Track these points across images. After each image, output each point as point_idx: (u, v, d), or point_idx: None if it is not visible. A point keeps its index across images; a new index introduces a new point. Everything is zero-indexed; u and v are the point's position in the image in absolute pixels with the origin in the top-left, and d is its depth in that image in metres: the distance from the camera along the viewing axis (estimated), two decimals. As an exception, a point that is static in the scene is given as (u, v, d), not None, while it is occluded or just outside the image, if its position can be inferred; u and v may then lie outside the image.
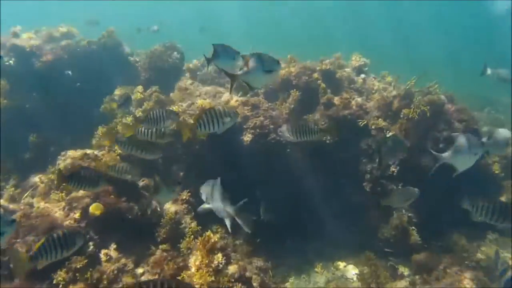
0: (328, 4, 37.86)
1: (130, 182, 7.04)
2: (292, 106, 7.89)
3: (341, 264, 8.10)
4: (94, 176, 5.31)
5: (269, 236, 7.52)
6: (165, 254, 6.02)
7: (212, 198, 4.92)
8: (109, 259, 5.87)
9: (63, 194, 6.36)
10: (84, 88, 9.73)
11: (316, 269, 8.03)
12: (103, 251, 5.91)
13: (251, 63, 4.28)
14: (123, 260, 5.96)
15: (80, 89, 9.76)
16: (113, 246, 6.03)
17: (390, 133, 7.71)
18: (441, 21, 40.05)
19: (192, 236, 6.39)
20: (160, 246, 6.41)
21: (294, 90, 8.00)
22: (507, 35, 31.76)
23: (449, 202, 7.65)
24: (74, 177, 5.18)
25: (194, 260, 5.48)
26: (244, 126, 7.69)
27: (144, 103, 8.34)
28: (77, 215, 6.03)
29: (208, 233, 5.74)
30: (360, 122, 8.03)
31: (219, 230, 7.48)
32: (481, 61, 8.14)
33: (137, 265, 6.17)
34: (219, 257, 5.59)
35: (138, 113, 8.12)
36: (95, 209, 6.08)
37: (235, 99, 7.99)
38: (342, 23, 40.70)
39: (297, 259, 8.12)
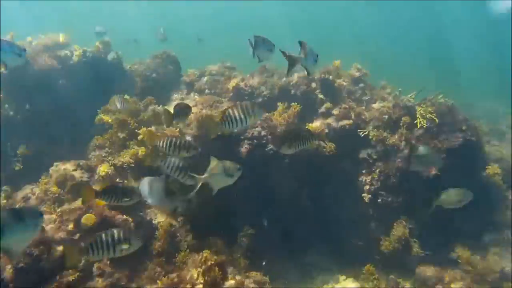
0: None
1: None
2: (291, 120, 7.73)
3: (341, 278, 7.92)
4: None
5: (266, 248, 7.36)
6: (158, 269, 5.81)
7: None
8: (102, 274, 5.67)
9: (54, 205, 6.17)
10: (78, 99, 9.55)
11: (315, 283, 7.85)
12: (96, 265, 5.71)
13: (305, 50, 4.75)
14: (116, 275, 5.75)
15: (74, 99, 9.58)
16: (106, 260, 5.81)
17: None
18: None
19: (188, 250, 6.23)
20: (154, 260, 6.23)
21: (295, 103, 7.86)
22: (507, 35, 31.87)
23: (451, 213, 7.60)
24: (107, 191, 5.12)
25: (190, 278, 5.29)
26: (241, 137, 7.53)
27: (141, 114, 8.19)
28: (70, 227, 5.83)
29: (206, 253, 5.56)
30: (361, 132, 7.90)
31: (216, 243, 7.27)
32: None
33: (130, 280, 5.97)
34: (215, 271, 5.43)
35: (133, 125, 7.95)
36: (87, 220, 5.88)
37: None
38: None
39: (295, 271, 7.93)
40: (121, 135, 7.71)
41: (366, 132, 7.87)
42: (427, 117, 7.46)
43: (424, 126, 7.45)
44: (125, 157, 7.22)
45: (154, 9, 35.38)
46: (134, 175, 7.43)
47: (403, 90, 8.60)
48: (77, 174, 6.98)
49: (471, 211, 6.70)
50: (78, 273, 5.31)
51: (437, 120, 7.49)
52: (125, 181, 7.05)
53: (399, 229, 7.46)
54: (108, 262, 5.79)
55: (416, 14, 37.96)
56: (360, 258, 7.73)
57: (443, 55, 31.72)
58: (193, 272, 5.57)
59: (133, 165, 7.25)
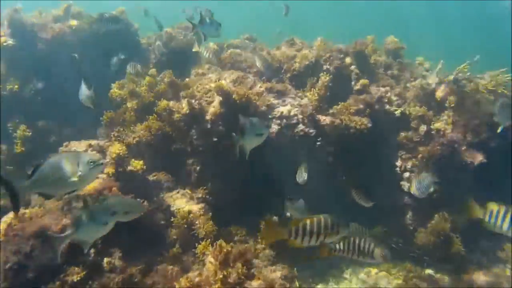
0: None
1: (139, 177, 6.30)
2: (322, 92, 6.95)
3: (373, 271, 7.27)
4: None
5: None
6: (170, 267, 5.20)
7: None
8: (113, 269, 5.05)
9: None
10: (91, 73, 8.88)
11: (345, 275, 7.23)
12: (106, 260, 5.08)
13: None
14: (129, 270, 5.13)
15: (85, 74, 8.91)
16: (118, 253, 5.19)
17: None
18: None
19: (209, 240, 5.61)
20: (170, 251, 5.66)
21: (324, 73, 7.07)
22: (507, 35, 30.75)
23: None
24: None
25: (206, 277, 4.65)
26: (270, 116, 6.80)
27: (157, 86, 7.49)
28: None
29: (219, 241, 4.93)
30: (397, 111, 7.12)
31: (238, 232, 6.67)
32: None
33: (145, 275, 5.37)
34: (238, 269, 4.77)
35: (148, 98, 7.28)
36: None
37: (259, 85, 7.08)
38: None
39: (323, 262, 7.31)
40: (133, 106, 7.07)
41: (404, 111, 7.07)
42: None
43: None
44: (139, 132, 6.59)
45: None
46: (150, 153, 6.82)
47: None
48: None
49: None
50: (84, 272, 4.69)
51: (507, 92, 6.66)
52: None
53: (439, 222, 6.76)
54: (120, 255, 5.17)
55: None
56: (393, 251, 7.07)
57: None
58: (209, 267, 4.93)
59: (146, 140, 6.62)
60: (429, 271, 6.97)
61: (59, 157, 3.46)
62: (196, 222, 5.96)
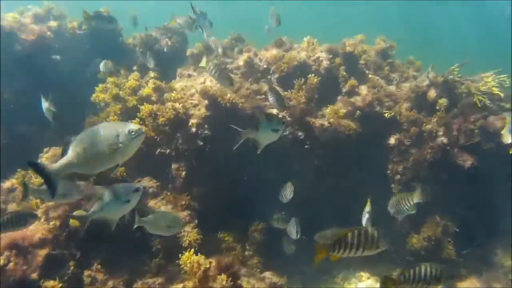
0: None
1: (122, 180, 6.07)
2: (310, 94, 6.75)
3: (364, 276, 7.10)
4: None
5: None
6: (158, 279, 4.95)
7: None
8: (94, 282, 4.81)
9: (39, 200, 5.30)
10: (74, 76, 8.61)
11: (336, 281, 7.05)
12: (86, 273, 4.84)
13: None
14: (111, 283, 4.89)
15: (68, 76, 8.64)
16: (99, 265, 4.94)
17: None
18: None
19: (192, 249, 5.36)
20: (154, 261, 5.42)
21: (312, 75, 6.88)
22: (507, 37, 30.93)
23: (490, 210, 6.73)
24: None
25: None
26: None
27: (140, 90, 7.25)
28: (51, 224, 4.94)
29: (197, 257, 4.69)
30: (387, 114, 6.95)
31: (225, 238, 6.46)
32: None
33: (129, 284, 5.14)
34: (222, 281, 4.54)
35: (132, 102, 7.03)
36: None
37: (245, 87, 6.86)
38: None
39: (312, 267, 7.09)
40: (116, 110, 6.87)
41: (393, 114, 6.92)
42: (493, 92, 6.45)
43: (487, 105, 6.43)
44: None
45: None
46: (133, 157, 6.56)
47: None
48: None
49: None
50: (60, 285, 4.44)
51: (502, 94, 6.50)
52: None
53: (430, 227, 6.68)
54: (100, 266, 4.93)
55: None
56: (385, 256, 6.88)
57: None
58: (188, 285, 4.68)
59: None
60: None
61: (94, 130, 3.09)
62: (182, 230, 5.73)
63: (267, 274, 6.15)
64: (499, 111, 6.75)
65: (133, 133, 3.07)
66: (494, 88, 6.56)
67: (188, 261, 4.92)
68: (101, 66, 6.98)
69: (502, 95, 6.55)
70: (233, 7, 34.35)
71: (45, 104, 6.26)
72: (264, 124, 4.35)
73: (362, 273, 7.11)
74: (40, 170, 2.96)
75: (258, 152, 4.58)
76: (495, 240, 6.85)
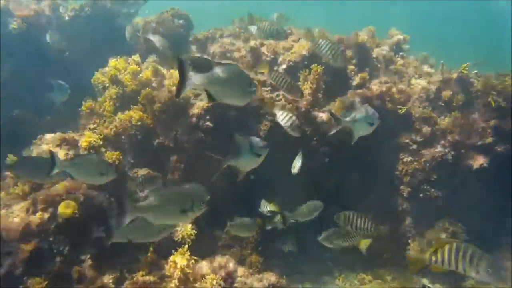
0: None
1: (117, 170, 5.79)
2: (315, 85, 6.38)
3: (366, 278, 6.81)
4: None
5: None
6: (150, 277, 4.64)
7: None
8: (82, 279, 4.52)
9: (25, 186, 4.99)
10: (71, 60, 8.29)
11: (337, 282, 6.77)
12: (75, 268, 4.55)
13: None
14: (100, 281, 4.60)
15: (66, 60, 8.32)
16: (89, 261, 4.66)
17: None
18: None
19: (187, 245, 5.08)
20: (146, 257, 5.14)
21: (315, 65, 6.50)
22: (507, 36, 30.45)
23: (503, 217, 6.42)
24: None
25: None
26: (261, 112, 6.25)
27: (140, 75, 6.92)
28: (38, 216, 4.63)
29: (173, 257, 4.37)
30: (400, 110, 6.59)
31: (223, 236, 6.17)
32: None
33: (120, 283, 4.87)
34: (212, 280, 4.23)
35: (131, 86, 6.72)
36: (64, 208, 4.67)
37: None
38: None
39: (314, 266, 6.86)
40: (111, 94, 6.59)
41: (406, 110, 6.57)
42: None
43: (502, 105, 6.08)
44: (118, 122, 6.09)
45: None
46: (131, 147, 6.29)
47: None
48: (61, 151, 5.76)
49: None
50: (46, 282, 4.15)
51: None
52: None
53: (434, 232, 6.45)
54: (91, 262, 4.65)
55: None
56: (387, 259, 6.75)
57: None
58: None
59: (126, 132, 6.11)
60: (425, 280, 6.56)
61: None
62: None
63: (266, 274, 5.87)
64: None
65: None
66: (510, 89, 6.19)
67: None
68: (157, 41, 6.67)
69: None
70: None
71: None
72: (244, 149, 4.02)
73: (365, 276, 6.82)
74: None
75: (238, 180, 4.29)
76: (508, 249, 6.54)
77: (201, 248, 5.58)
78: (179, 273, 3.93)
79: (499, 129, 6.20)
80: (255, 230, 5.83)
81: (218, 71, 2.87)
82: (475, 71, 6.61)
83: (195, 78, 2.82)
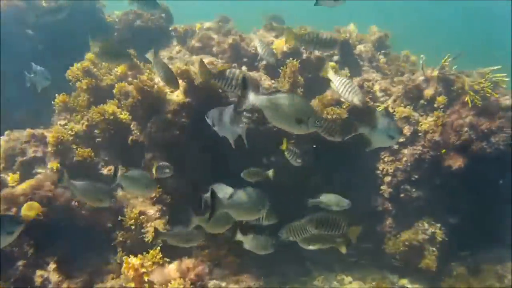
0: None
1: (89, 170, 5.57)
2: (293, 80, 6.19)
3: (346, 279, 6.71)
4: None
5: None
6: (120, 281, 4.43)
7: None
8: (46, 284, 4.29)
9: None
10: (48, 52, 7.97)
11: (316, 283, 6.64)
12: (38, 273, 4.32)
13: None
14: (65, 285, 4.38)
15: (42, 52, 8.00)
16: (54, 264, 4.43)
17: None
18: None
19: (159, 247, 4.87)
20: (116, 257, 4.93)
21: (291, 59, 6.31)
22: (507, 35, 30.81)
23: (485, 216, 6.33)
24: None
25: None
26: (239, 109, 6.06)
27: (115, 69, 6.68)
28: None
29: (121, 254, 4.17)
30: (379, 107, 6.47)
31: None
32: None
33: (88, 286, 4.65)
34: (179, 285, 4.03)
35: (106, 81, 6.49)
36: (27, 210, 4.44)
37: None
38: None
39: (292, 267, 6.71)
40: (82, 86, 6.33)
41: (388, 108, 6.45)
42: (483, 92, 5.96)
43: (478, 105, 5.98)
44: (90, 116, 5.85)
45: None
46: (104, 144, 6.07)
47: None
48: (30, 148, 5.52)
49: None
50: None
51: (497, 95, 6.00)
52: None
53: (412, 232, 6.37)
54: (56, 266, 4.42)
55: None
56: (371, 259, 6.69)
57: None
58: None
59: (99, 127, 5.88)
60: (404, 281, 6.49)
61: None
62: (147, 225, 5.22)
63: (242, 276, 5.70)
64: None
65: None
66: (488, 89, 6.08)
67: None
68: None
69: (496, 96, 6.06)
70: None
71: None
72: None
73: (344, 276, 6.73)
74: None
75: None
76: (488, 250, 6.48)
77: (176, 249, 5.41)
78: (132, 272, 3.70)
79: (475, 128, 6.10)
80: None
81: (279, 96, 3.10)
82: (455, 67, 6.49)
83: (255, 98, 3.06)
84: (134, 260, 3.79)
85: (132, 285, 3.61)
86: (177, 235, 4.43)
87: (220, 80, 4.47)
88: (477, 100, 5.94)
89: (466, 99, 6.05)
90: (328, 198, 5.40)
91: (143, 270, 3.70)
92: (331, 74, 5.15)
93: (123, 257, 4.22)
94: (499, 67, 6.50)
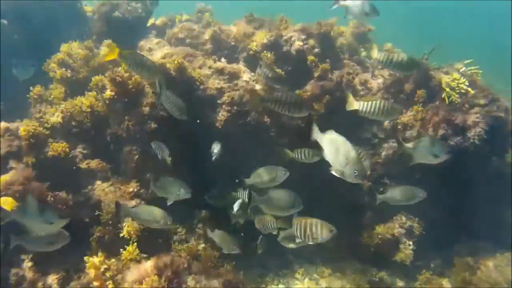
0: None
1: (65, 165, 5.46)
2: (268, 73, 5.96)
3: (326, 271, 6.73)
4: None
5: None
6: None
7: None
8: (21, 282, 4.20)
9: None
10: (23, 44, 7.75)
11: (296, 276, 6.65)
12: (13, 271, 4.23)
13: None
14: (41, 284, 4.29)
15: (18, 43, 7.78)
16: (29, 261, 4.33)
17: None
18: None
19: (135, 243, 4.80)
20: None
21: (265, 52, 6.23)
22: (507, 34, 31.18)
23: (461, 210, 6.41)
24: None
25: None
26: (219, 101, 6.01)
27: (91, 61, 6.54)
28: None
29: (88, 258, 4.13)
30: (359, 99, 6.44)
31: (178, 230, 5.91)
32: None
33: (66, 283, 4.57)
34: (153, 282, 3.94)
35: (83, 73, 6.35)
36: (3, 205, 4.34)
37: (208, 65, 6.25)
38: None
39: (274, 259, 6.71)
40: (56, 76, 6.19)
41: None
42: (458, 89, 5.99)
43: (456, 102, 6.01)
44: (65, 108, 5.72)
45: None
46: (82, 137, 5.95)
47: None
48: (5, 142, 5.38)
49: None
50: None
51: (472, 92, 6.05)
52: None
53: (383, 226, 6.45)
54: (32, 263, 4.33)
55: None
56: (351, 252, 6.67)
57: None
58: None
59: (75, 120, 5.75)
60: (382, 273, 6.52)
61: None
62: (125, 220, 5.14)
63: (222, 269, 5.66)
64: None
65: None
66: (462, 86, 6.12)
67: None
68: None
69: (472, 92, 6.11)
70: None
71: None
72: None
73: (324, 269, 6.74)
74: None
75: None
76: (466, 243, 6.57)
77: (155, 244, 5.36)
78: (93, 271, 3.61)
79: (451, 123, 6.15)
80: None
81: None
82: (434, 63, 6.52)
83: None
84: (94, 259, 3.69)
85: (96, 283, 3.53)
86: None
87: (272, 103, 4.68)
88: (454, 97, 5.97)
89: (443, 95, 6.08)
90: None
91: (105, 267, 3.60)
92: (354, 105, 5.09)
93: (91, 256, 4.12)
94: (471, 60, 6.58)
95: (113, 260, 4.41)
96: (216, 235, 5.50)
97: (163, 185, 5.00)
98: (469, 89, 6.00)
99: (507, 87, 7.17)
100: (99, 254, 3.65)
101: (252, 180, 5.22)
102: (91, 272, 3.53)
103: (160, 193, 4.99)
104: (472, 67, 6.42)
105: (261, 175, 5.12)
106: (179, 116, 4.94)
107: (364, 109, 4.91)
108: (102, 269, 3.55)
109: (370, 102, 4.91)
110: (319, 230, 4.17)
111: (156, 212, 4.63)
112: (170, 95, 4.88)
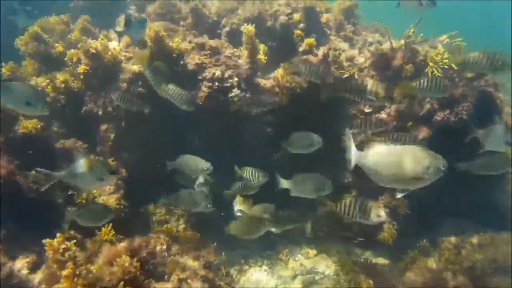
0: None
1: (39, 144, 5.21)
2: (251, 49, 5.85)
3: (311, 252, 6.62)
4: None
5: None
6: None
7: None
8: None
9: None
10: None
11: (281, 257, 6.51)
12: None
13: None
14: (9, 266, 4.09)
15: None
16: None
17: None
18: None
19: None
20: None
21: (245, 25, 6.01)
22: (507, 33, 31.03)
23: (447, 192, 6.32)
24: None
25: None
26: (199, 78, 5.77)
27: (69, 35, 6.26)
28: None
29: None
30: (343, 74, 6.23)
31: (157, 210, 5.72)
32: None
33: (37, 267, 4.38)
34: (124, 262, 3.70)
35: (58, 48, 6.06)
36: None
37: (188, 40, 5.99)
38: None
39: (257, 241, 6.48)
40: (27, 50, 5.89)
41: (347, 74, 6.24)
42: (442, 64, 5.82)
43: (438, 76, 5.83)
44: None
45: None
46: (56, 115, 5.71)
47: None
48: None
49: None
50: None
51: (455, 67, 5.82)
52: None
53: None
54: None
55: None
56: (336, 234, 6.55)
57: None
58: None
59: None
60: (368, 253, 6.45)
61: None
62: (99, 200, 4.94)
63: (203, 251, 5.49)
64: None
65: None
66: (445, 61, 5.94)
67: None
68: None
69: (455, 68, 5.93)
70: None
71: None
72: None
73: (309, 250, 6.63)
74: None
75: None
76: (450, 223, 6.49)
77: (134, 225, 5.19)
78: (51, 252, 3.39)
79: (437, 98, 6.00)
80: None
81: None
82: (421, 35, 6.33)
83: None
84: (50, 240, 3.46)
85: (54, 266, 3.33)
86: None
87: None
88: (436, 71, 5.80)
89: (427, 69, 5.91)
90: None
91: (63, 247, 3.38)
92: None
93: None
94: (456, 32, 6.40)
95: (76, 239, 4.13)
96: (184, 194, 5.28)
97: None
98: (453, 64, 5.81)
99: (507, 85, 7.03)
100: (58, 234, 3.42)
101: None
102: (49, 254, 3.33)
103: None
104: (457, 39, 6.24)
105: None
106: (187, 108, 5.09)
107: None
108: (60, 250, 3.33)
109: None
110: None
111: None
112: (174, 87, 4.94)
